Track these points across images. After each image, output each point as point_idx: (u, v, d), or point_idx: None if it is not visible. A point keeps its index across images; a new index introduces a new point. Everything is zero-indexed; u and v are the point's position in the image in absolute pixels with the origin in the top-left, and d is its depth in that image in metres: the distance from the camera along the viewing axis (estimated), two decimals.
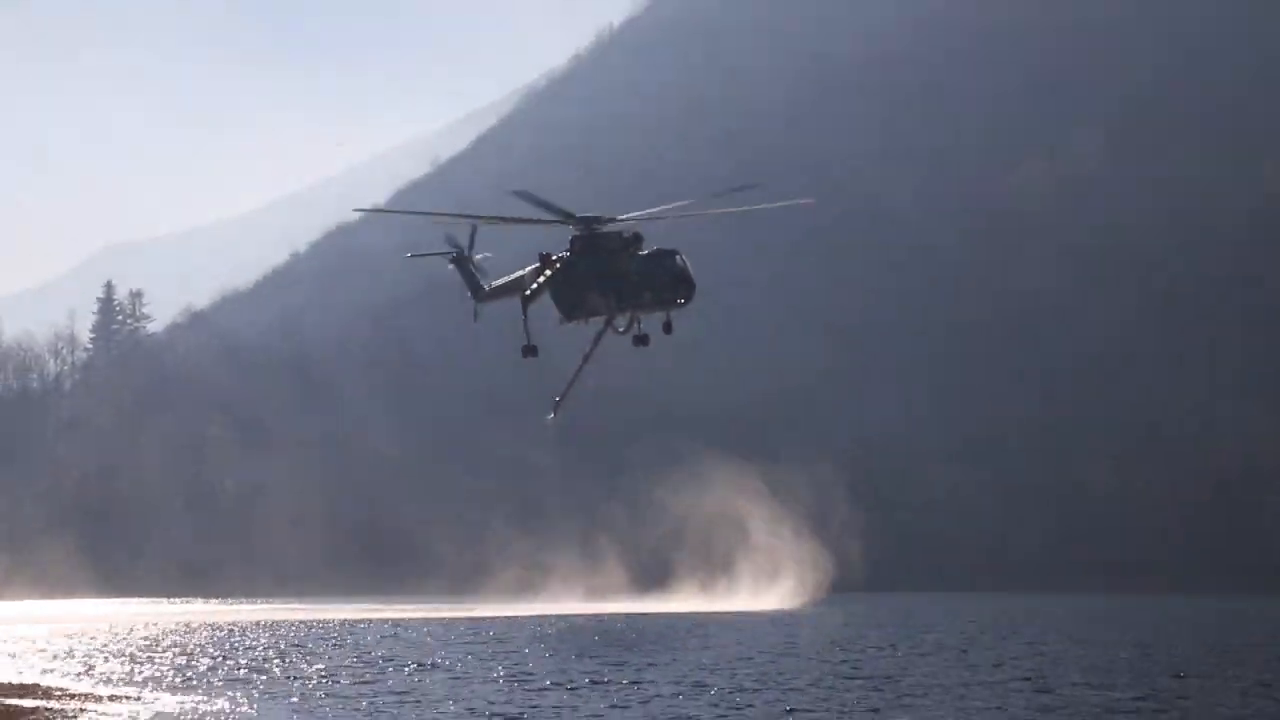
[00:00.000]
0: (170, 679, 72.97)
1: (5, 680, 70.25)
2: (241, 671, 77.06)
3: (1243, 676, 70.79)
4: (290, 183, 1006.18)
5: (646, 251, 79.09)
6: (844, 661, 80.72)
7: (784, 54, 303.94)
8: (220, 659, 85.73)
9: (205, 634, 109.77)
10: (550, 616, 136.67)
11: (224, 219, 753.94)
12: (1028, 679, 69.23)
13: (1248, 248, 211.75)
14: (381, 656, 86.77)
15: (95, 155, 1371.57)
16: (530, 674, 74.98)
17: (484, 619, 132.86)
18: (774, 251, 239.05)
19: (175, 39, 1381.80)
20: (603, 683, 69.79)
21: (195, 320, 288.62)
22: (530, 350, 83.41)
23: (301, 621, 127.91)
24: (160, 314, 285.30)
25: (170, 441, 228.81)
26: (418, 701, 62.96)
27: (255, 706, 61.34)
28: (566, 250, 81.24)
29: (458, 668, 78.80)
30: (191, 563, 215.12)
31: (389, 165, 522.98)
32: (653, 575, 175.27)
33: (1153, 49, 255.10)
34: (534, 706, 60.50)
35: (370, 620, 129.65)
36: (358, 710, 59.78)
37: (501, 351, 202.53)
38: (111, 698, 63.36)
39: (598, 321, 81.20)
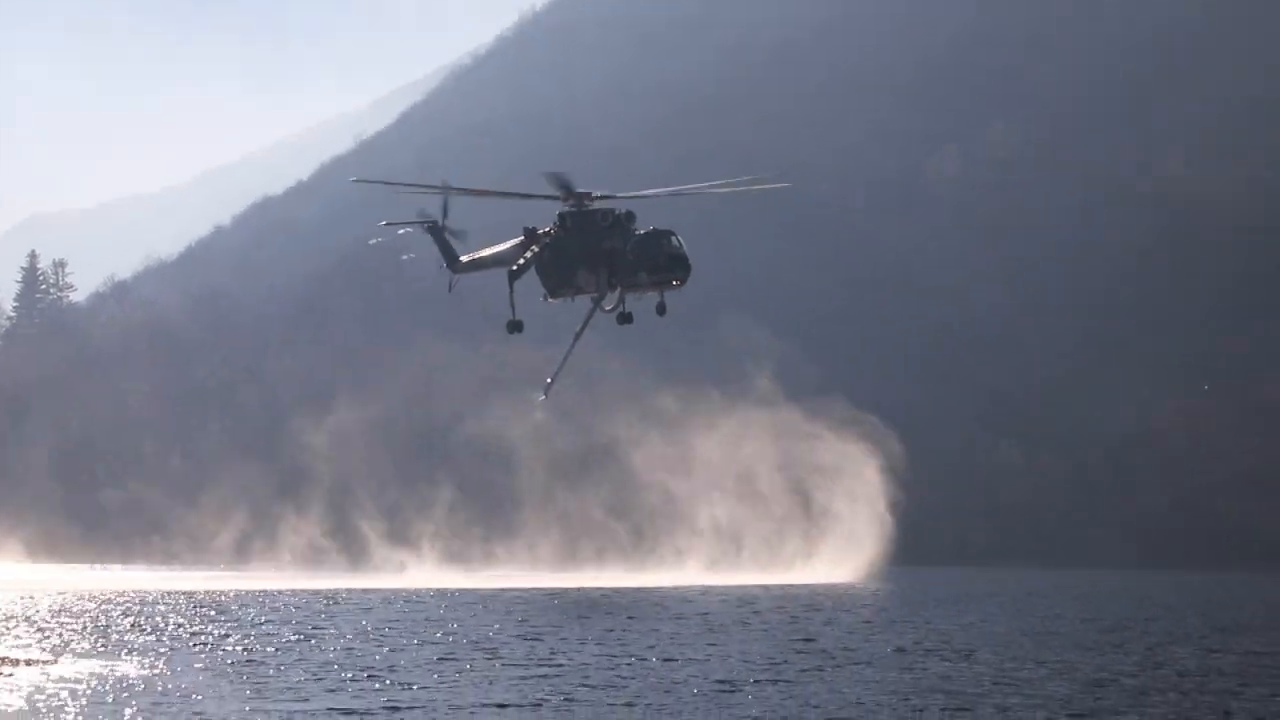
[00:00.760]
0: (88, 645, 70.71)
1: None
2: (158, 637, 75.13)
3: None
4: (218, 155, 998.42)
5: (641, 230, 77.76)
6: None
7: (709, 37, 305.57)
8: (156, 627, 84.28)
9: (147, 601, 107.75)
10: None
11: (149, 191, 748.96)
12: None
13: (1162, 235, 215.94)
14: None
15: (19, 124, 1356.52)
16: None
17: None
18: (722, 235, 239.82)
19: (101, 6, 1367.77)
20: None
21: (118, 290, 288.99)
22: (516, 325, 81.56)
23: (241, 590, 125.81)
24: (84, 284, 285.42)
25: (93, 411, 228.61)
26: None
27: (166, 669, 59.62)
28: (553, 225, 79.60)
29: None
30: (120, 529, 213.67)
31: (316, 140, 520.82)
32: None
33: (1072, 41, 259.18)
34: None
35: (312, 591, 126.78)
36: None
37: (430, 322, 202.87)
38: (26, 662, 62.00)
39: (583, 299, 79.78)
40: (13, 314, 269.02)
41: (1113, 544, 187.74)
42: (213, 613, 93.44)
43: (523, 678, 57.04)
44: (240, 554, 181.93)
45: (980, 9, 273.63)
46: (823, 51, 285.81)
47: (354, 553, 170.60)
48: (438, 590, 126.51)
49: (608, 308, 79.49)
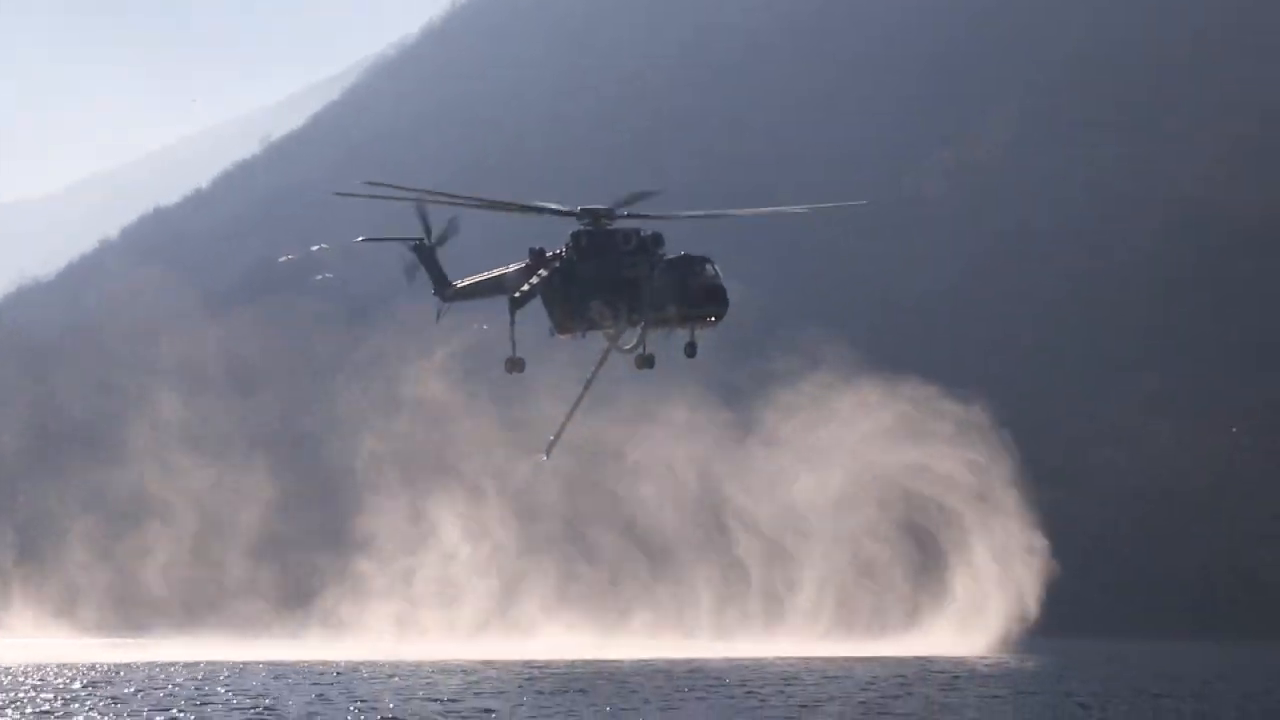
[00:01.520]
0: None
1: None
2: None
3: None
4: (105, 159, 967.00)
5: (670, 256, 70.13)
6: None
7: (659, 32, 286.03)
8: None
9: None
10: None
11: (26, 199, 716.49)
12: None
13: (1159, 239, 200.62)
14: None
15: None
16: None
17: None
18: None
19: None
20: None
21: None
22: (516, 364, 75.01)
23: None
24: None
25: None
26: None
27: None
28: (566, 247, 72.13)
29: None
30: None
31: (218, 142, 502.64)
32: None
33: (1059, 39, 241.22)
34: None
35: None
36: None
37: (342, 351, 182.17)
38: None
39: (596, 336, 72.41)
40: None
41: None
42: None
43: None
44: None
45: (975, 14, 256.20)
46: (786, 40, 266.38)
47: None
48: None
49: (625, 347, 72.17)
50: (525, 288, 73.15)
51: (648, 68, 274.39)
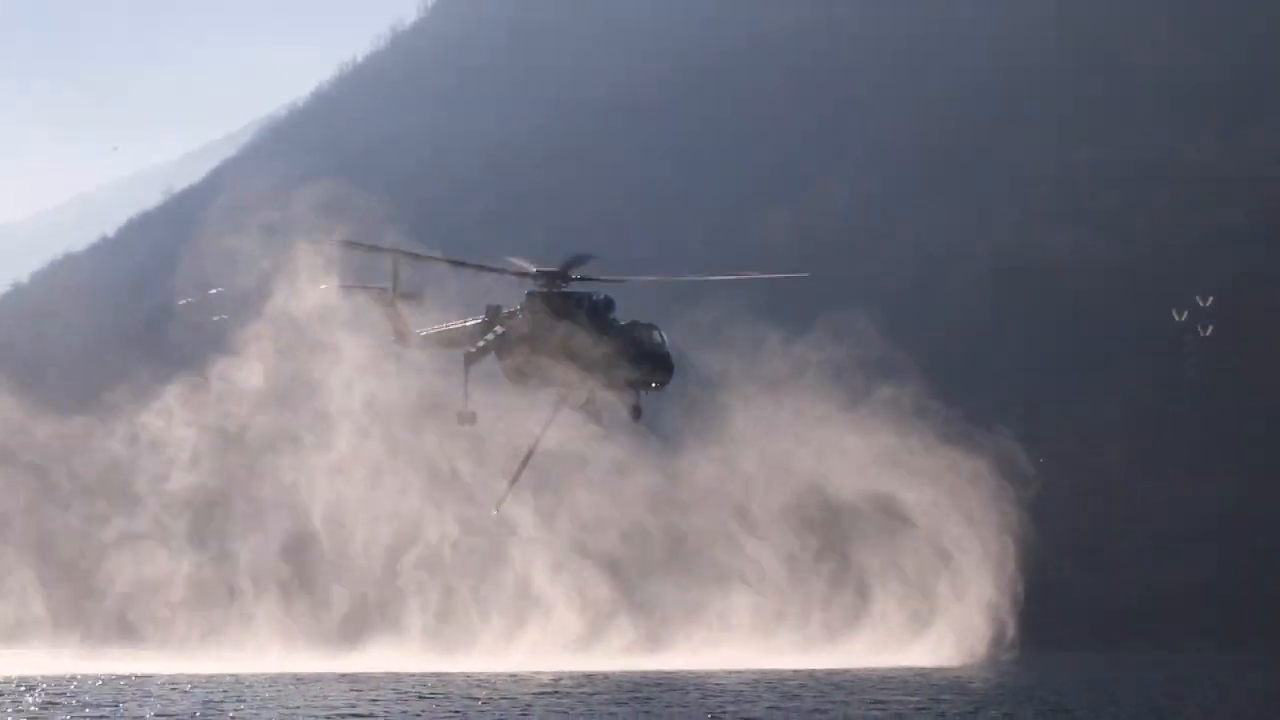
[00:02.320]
0: None
1: None
2: None
3: None
4: (8, 211, 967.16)
5: (622, 323, 69.79)
6: None
7: (532, 93, 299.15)
8: None
9: None
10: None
11: None
12: None
13: (987, 300, 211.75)
14: None
15: None
16: None
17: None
18: None
19: None
20: None
21: None
22: (468, 417, 73.63)
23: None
24: None
25: None
26: None
27: None
28: (520, 307, 71.29)
29: None
30: None
31: (122, 193, 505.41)
32: None
33: (898, 101, 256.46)
34: None
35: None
36: None
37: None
38: None
39: (549, 391, 71.68)
40: None
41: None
42: None
43: None
44: None
45: (798, 68, 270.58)
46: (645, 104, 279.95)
47: None
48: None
49: (576, 404, 72.41)
50: (480, 344, 72.33)
51: (513, 121, 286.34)
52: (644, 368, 69.57)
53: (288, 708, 68.11)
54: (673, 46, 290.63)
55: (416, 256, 73.79)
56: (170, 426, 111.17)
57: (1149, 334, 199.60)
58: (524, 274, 70.60)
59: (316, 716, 64.31)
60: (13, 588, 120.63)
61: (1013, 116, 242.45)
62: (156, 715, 65.81)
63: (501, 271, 70.96)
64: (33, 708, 70.68)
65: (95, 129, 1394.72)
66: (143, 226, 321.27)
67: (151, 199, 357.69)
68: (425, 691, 77.13)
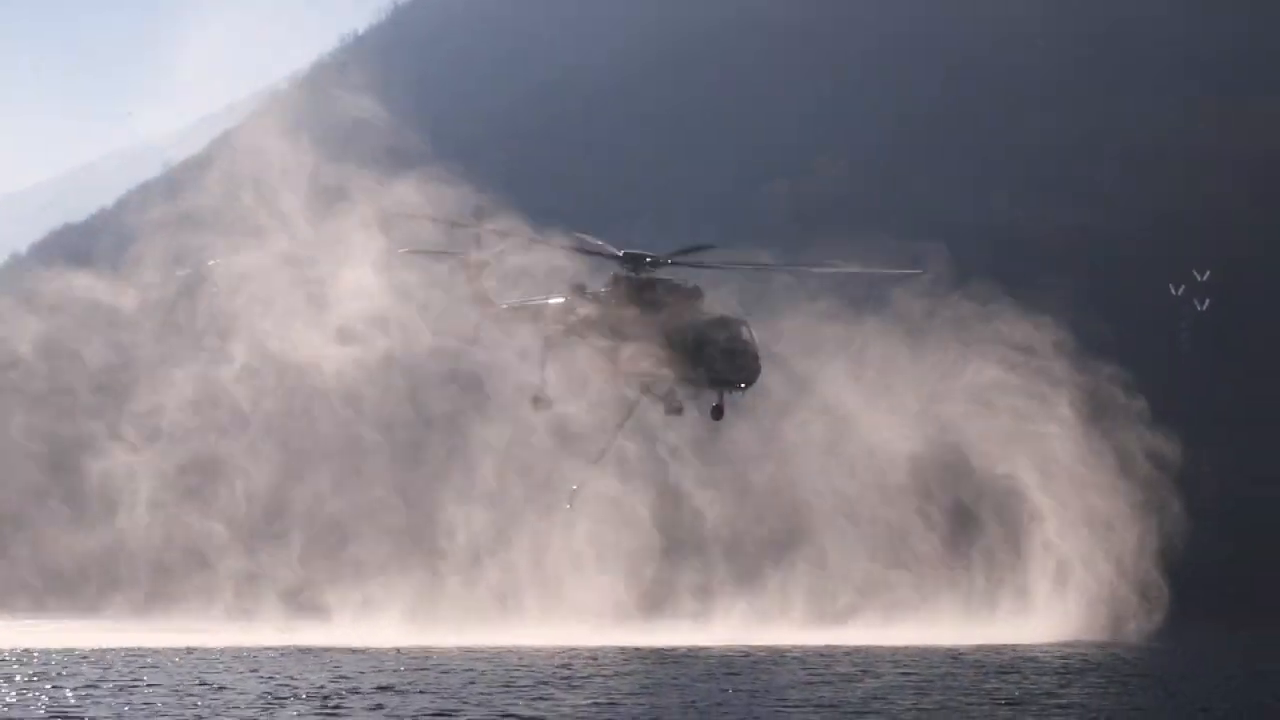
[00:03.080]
0: None
1: None
2: None
3: None
4: (7, 182, 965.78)
5: (708, 316, 66.12)
6: None
7: (511, 74, 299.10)
8: None
9: None
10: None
11: None
12: None
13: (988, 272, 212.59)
14: None
15: None
16: None
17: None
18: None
19: None
20: None
21: None
22: (544, 402, 70.85)
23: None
24: None
25: None
26: None
27: None
28: (606, 287, 68.34)
29: None
30: None
31: (120, 166, 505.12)
32: None
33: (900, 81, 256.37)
34: None
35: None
36: None
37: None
38: None
39: (630, 381, 68.32)
40: None
41: None
42: None
43: None
44: None
45: (806, 40, 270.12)
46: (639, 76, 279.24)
47: None
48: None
49: (657, 394, 69.04)
50: (561, 326, 69.43)
51: (489, 115, 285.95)
52: (728, 367, 66.48)
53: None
54: (673, 15, 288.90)
55: (498, 232, 70.23)
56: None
57: (1147, 308, 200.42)
58: (612, 256, 67.46)
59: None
60: None
61: (1010, 88, 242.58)
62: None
63: (586, 251, 67.42)
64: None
65: (94, 100, 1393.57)
66: (140, 196, 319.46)
67: (150, 171, 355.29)
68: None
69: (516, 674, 69.29)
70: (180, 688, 63.96)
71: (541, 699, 57.86)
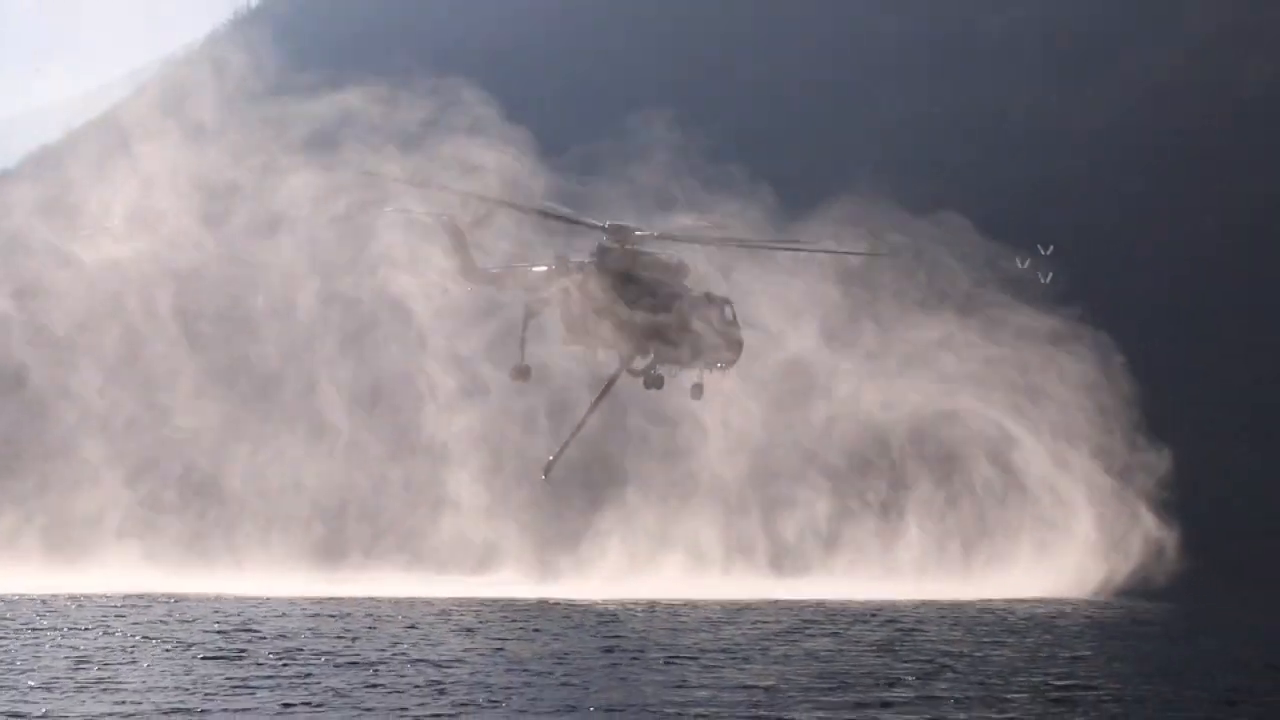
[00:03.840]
0: None
1: None
2: None
3: None
4: None
5: (693, 294, 64.76)
6: None
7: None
8: None
9: None
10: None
11: None
12: None
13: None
14: None
15: None
16: None
17: None
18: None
19: None
20: None
21: None
22: (523, 372, 69.17)
23: None
24: None
25: None
26: None
27: None
28: (591, 258, 66.78)
29: None
30: None
31: (20, 127, 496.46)
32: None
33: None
34: None
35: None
36: None
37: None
38: None
39: (610, 354, 66.63)
40: None
41: None
42: None
43: None
44: None
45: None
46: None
47: None
48: None
49: (636, 368, 67.68)
50: (543, 295, 66.24)
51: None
52: (711, 345, 64.76)
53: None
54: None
55: (485, 199, 67.77)
56: None
57: (992, 279, 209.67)
58: (596, 227, 65.14)
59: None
60: None
61: (865, 68, 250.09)
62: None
63: (570, 221, 65.22)
64: None
65: None
66: (44, 160, 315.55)
67: (51, 135, 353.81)
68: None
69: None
70: None
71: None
